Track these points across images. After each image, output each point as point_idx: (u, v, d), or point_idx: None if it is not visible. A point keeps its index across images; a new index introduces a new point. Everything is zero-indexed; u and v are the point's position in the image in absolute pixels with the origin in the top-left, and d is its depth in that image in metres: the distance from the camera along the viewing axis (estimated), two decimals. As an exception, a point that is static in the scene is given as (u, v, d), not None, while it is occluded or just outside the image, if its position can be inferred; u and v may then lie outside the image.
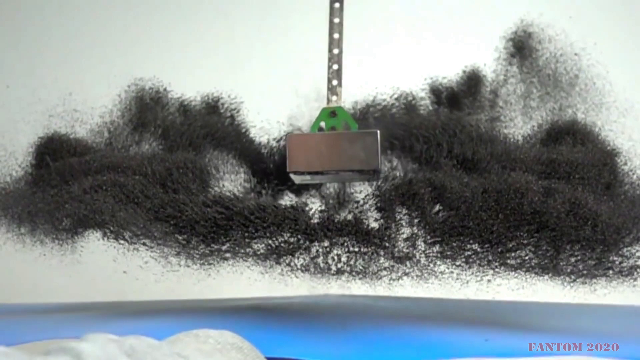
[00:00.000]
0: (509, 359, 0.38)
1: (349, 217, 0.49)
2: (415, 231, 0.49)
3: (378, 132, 0.49)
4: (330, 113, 0.52)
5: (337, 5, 0.51)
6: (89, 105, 0.62)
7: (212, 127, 0.59)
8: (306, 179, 0.54)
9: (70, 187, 0.50)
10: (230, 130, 0.61)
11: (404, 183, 0.49)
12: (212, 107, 0.64)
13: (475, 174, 0.50)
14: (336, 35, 0.51)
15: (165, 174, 0.51)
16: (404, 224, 0.49)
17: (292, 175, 0.53)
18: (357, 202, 0.52)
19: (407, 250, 0.48)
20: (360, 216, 0.49)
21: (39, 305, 0.71)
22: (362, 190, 0.57)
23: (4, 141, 0.60)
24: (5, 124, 0.60)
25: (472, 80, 0.62)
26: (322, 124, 0.53)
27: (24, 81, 1.03)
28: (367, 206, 0.51)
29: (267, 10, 1.13)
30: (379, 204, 0.50)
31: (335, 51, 0.51)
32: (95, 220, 0.48)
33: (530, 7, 0.65)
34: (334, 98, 0.52)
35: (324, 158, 0.50)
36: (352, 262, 0.49)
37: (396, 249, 0.48)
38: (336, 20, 0.51)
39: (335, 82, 0.52)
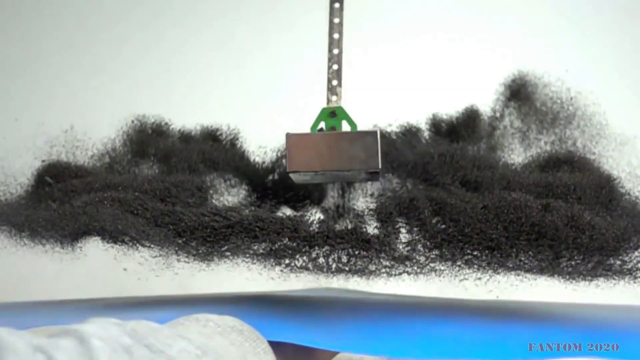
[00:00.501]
0: None
1: (349, 226, 0.50)
2: (415, 237, 0.50)
3: (378, 131, 0.49)
4: (330, 113, 0.52)
5: (337, 5, 0.51)
6: (89, 136, 0.65)
7: (211, 152, 0.62)
8: (306, 179, 0.54)
9: (72, 202, 0.52)
10: (230, 154, 0.64)
11: (404, 199, 0.51)
12: (212, 136, 0.67)
13: (475, 194, 0.51)
14: (336, 36, 0.51)
15: (165, 191, 0.53)
16: (403, 231, 0.51)
17: (291, 176, 0.53)
18: (357, 213, 0.54)
19: (407, 253, 0.49)
20: (360, 225, 0.50)
21: (37, 302, 0.71)
22: (362, 204, 0.59)
23: (4, 163, 0.61)
24: (8, 151, 0.62)
25: (471, 117, 0.65)
26: (322, 124, 0.53)
27: (29, 114, 1.07)
28: (367, 217, 0.53)
29: (268, 50, 1.16)
30: (378, 215, 0.52)
31: (335, 51, 0.51)
32: (95, 227, 0.49)
33: (527, 59, 0.69)
34: (334, 98, 0.52)
35: (323, 158, 0.50)
36: (352, 262, 0.50)
37: (396, 253, 0.49)
38: (336, 20, 0.51)
39: (335, 82, 0.52)
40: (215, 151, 0.63)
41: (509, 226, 0.47)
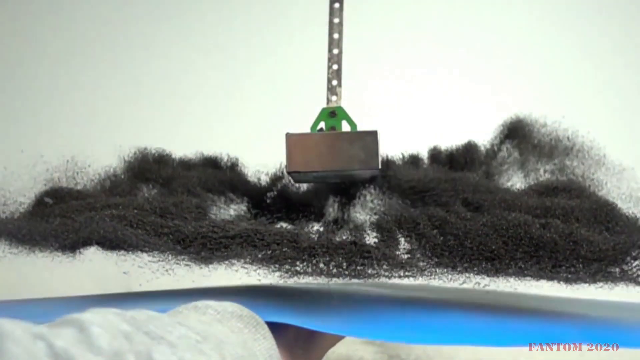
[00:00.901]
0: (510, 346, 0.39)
1: (349, 238, 0.51)
2: (415, 247, 0.50)
3: (377, 131, 0.49)
4: (330, 113, 0.52)
5: (336, 5, 0.51)
6: (90, 165, 0.67)
7: (211, 176, 0.64)
8: (306, 179, 0.54)
9: (72, 217, 0.52)
10: (229, 177, 0.66)
11: (404, 215, 0.52)
12: (213, 163, 0.69)
13: (476, 213, 0.53)
14: (336, 36, 0.51)
15: (164, 209, 0.54)
16: (403, 242, 0.51)
17: (291, 176, 0.53)
18: (357, 225, 0.55)
19: (407, 261, 0.49)
20: (360, 237, 0.51)
21: (38, 300, 0.72)
22: (361, 218, 0.60)
23: (4, 186, 0.62)
24: (9, 176, 0.63)
25: (470, 149, 0.68)
26: (322, 124, 0.53)
27: (32, 145, 1.08)
28: (367, 229, 0.54)
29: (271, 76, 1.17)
30: (378, 229, 0.53)
31: (335, 51, 0.51)
32: (95, 237, 0.50)
33: (524, 103, 0.72)
34: (334, 98, 0.52)
35: (323, 158, 0.50)
36: (352, 267, 0.50)
37: (396, 260, 0.49)
38: (336, 20, 0.51)
39: (335, 82, 0.52)
40: (215, 176, 0.64)
41: (508, 241, 0.48)
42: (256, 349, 0.32)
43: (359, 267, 0.50)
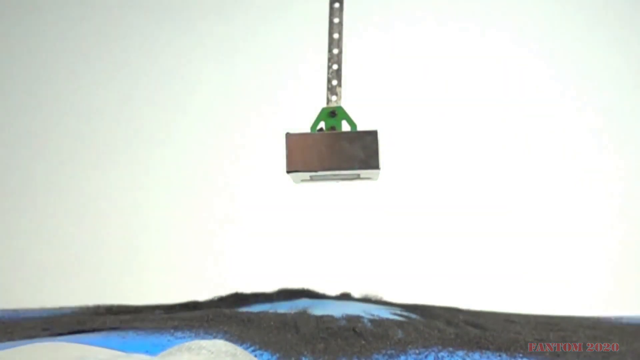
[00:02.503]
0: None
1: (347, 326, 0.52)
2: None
3: (378, 131, 0.49)
4: (330, 113, 0.52)
5: (336, 5, 0.51)
6: None
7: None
8: (305, 179, 0.54)
9: None
10: None
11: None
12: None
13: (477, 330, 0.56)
14: (336, 35, 0.51)
15: None
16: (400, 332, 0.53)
17: (290, 176, 0.53)
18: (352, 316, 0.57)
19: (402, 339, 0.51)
20: (357, 325, 0.53)
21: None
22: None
23: None
24: None
25: None
26: (322, 123, 0.53)
27: None
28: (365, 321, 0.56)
29: None
30: (374, 323, 0.54)
31: (335, 51, 0.51)
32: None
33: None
34: (334, 98, 0.52)
35: (323, 158, 0.50)
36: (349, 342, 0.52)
37: (390, 342, 0.50)
38: (336, 20, 0.51)
39: (335, 82, 0.52)
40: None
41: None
42: None
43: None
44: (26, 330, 0.53)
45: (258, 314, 0.55)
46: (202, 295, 0.79)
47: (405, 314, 0.65)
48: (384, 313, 0.64)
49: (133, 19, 1.18)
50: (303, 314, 0.56)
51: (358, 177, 0.54)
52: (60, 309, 0.73)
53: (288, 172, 0.51)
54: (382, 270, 0.98)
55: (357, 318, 0.54)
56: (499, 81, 1.11)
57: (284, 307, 0.66)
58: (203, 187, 1.10)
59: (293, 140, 0.51)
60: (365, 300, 0.82)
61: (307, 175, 0.52)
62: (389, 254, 1.01)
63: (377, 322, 0.55)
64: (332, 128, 0.52)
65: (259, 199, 1.08)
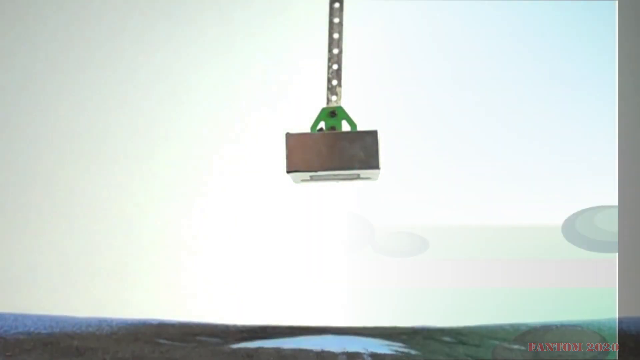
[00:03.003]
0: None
1: None
2: None
3: (377, 131, 0.49)
4: (330, 113, 0.52)
5: (336, 5, 0.51)
6: None
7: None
8: (305, 179, 0.54)
9: None
10: None
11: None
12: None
13: None
14: (336, 35, 0.51)
15: None
16: None
17: (290, 176, 0.53)
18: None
19: None
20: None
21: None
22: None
23: None
24: None
25: None
26: (322, 123, 0.53)
27: None
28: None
29: None
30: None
31: (335, 51, 0.51)
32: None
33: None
34: (334, 98, 0.52)
35: (323, 158, 0.50)
36: None
37: None
38: (336, 20, 0.51)
39: (335, 82, 0.52)
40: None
41: None
42: None
43: None
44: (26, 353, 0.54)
45: (257, 349, 0.56)
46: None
47: (405, 350, 0.66)
48: (383, 349, 0.64)
49: (133, 19, 1.18)
50: (302, 350, 0.56)
51: (358, 177, 0.54)
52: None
53: (288, 172, 0.51)
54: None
55: (357, 355, 0.54)
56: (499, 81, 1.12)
57: (283, 343, 0.67)
58: (200, 187, 1.10)
59: (293, 140, 0.51)
60: (364, 329, 0.84)
61: (307, 175, 0.52)
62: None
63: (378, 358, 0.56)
64: (332, 128, 0.52)
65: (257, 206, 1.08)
